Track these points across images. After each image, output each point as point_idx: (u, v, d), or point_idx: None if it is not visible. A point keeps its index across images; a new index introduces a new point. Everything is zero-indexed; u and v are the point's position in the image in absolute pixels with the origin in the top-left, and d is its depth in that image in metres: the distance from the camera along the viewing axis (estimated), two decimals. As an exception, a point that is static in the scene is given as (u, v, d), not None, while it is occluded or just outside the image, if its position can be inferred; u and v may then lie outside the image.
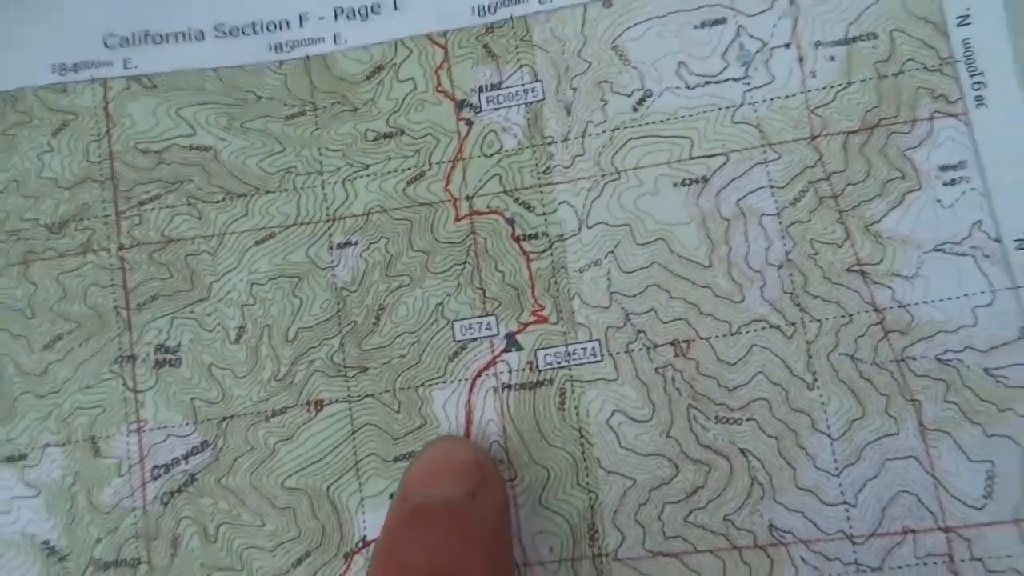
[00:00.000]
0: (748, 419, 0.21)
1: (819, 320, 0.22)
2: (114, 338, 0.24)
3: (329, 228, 0.24)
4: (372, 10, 0.25)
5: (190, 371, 0.23)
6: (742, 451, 0.21)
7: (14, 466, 0.23)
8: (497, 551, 0.20)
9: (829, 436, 0.21)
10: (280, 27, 0.25)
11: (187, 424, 0.23)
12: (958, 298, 0.21)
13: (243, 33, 0.25)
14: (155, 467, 0.23)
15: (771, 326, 0.22)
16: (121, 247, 0.24)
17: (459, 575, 0.18)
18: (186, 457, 0.23)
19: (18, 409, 0.23)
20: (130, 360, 0.24)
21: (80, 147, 0.25)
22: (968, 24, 0.22)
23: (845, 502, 0.21)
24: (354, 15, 0.25)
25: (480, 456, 0.21)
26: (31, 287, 0.24)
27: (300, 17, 0.25)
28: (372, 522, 0.22)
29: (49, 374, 0.24)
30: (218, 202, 0.24)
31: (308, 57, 0.25)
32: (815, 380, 0.21)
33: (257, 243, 0.24)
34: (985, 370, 0.21)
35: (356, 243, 0.24)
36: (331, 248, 0.24)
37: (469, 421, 0.22)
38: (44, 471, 0.23)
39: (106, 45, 0.25)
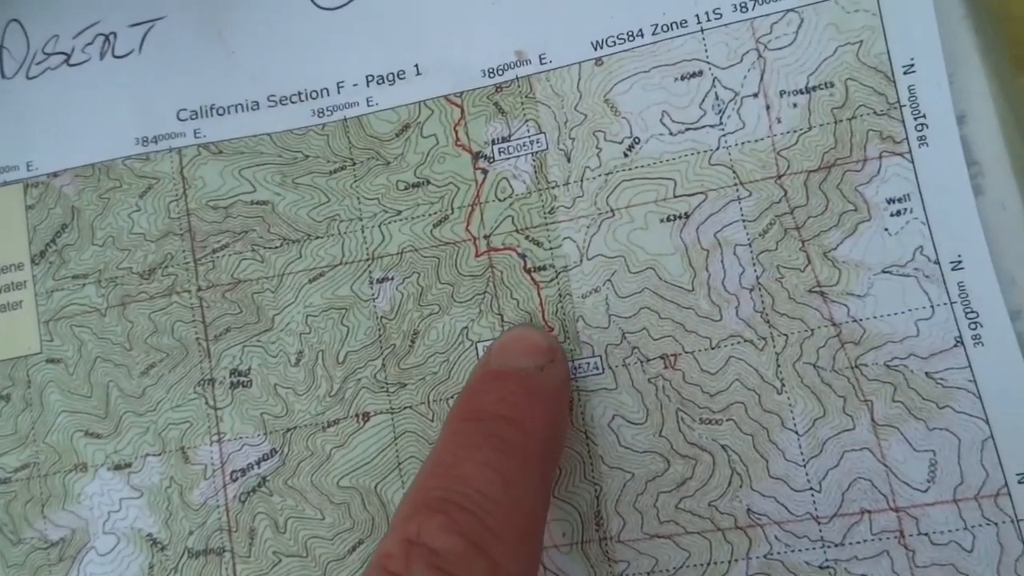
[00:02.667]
0: (727, 420, 0.26)
1: (785, 334, 0.26)
2: (197, 365, 0.29)
3: (369, 266, 0.29)
4: (398, 76, 0.30)
5: (259, 390, 0.29)
6: (723, 447, 0.26)
7: (122, 473, 0.29)
8: (558, 413, 0.24)
9: (796, 432, 0.25)
10: (321, 94, 0.30)
11: (258, 435, 0.28)
12: (903, 313, 0.25)
13: (291, 101, 0.30)
14: (233, 471, 0.28)
15: (745, 340, 0.26)
16: (199, 288, 0.30)
17: (524, 422, 0.22)
18: (258, 463, 0.28)
19: (123, 426, 0.29)
20: (210, 383, 0.29)
21: (162, 206, 0.30)
22: (913, 72, 0.26)
23: (811, 488, 0.25)
24: (383, 80, 0.30)
25: (551, 340, 0.26)
26: (129, 324, 0.30)
27: (337, 85, 0.30)
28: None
29: (146, 396, 0.29)
30: (276, 247, 0.29)
31: (346, 119, 0.30)
32: (783, 385, 0.26)
33: (310, 281, 0.29)
34: (926, 374, 0.25)
35: (392, 278, 0.29)
36: (371, 283, 0.29)
37: (491, 427, 0.27)
38: (146, 476, 0.29)
39: (179, 119, 0.31)
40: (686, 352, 0.26)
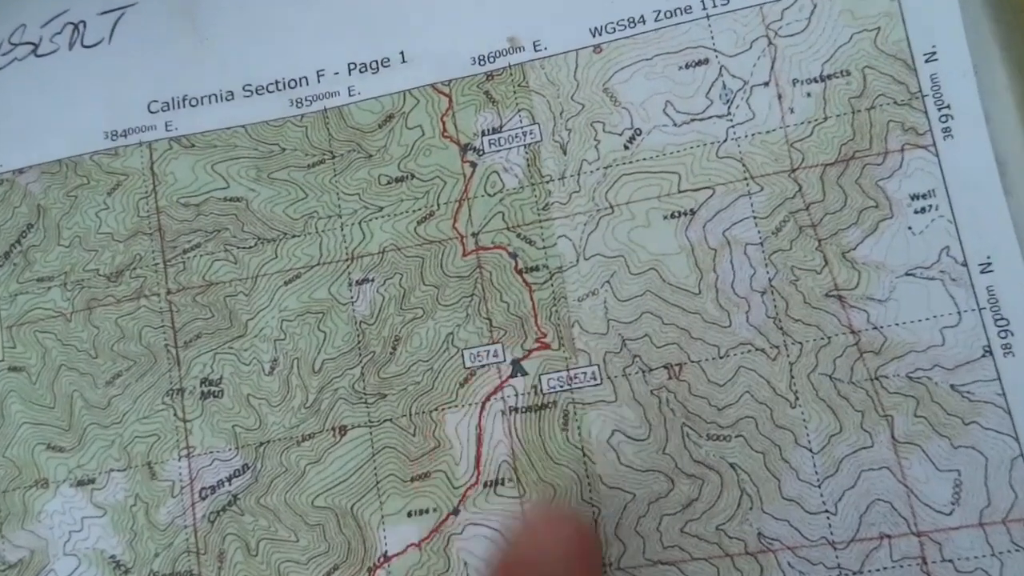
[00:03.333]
0: (736, 436, 0.24)
1: (800, 343, 0.24)
2: (165, 373, 0.28)
3: (348, 267, 0.27)
4: (382, 64, 0.28)
5: (231, 401, 0.27)
6: (732, 465, 0.24)
7: (85, 489, 0.27)
8: None
9: (810, 450, 0.24)
10: (300, 83, 0.29)
11: (229, 449, 0.27)
12: (927, 319, 0.23)
13: (267, 91, 0.29)
14: (203, 488, 0.27)
15: (756, 349, 0.24)
16: (169, 291, 0.28)
17: None
18: (229, 479, 0.26)
19: (87, 439, 0.28)
20: (179, 393, 0.27)
21: (131, 204, 0.29)
22: (935, 60, 0.24)
23: (826, 511, 0.23)
24: (366, 69, 0.28)
25: (591, 547, 0.23)
26: (94, 330, 0.28)
27: (317, 73, 0.29)
28: (392, 538, 0.25)
29: (111, 407, 0.28)
30: (251, 247, 0.28)
31: (326, 110, 0.28)
32: (797, 399, 0.24)
33: (286, 283, 0.27)
34: (951, 386, 0.23)
35: (373, 280, 0.27)
36: (351, 285, 0.27)
37: (480, 443, 0.25)
38: (110, 493, 0.27)
39: (150, 111, 0.29)
40: (692, 361, 0.24)
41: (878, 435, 0.23)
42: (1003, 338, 0.23)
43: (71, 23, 0.31)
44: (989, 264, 0.23)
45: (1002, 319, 0.23)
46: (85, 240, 0.29)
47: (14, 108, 0.30)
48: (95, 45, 0.30)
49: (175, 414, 0.27)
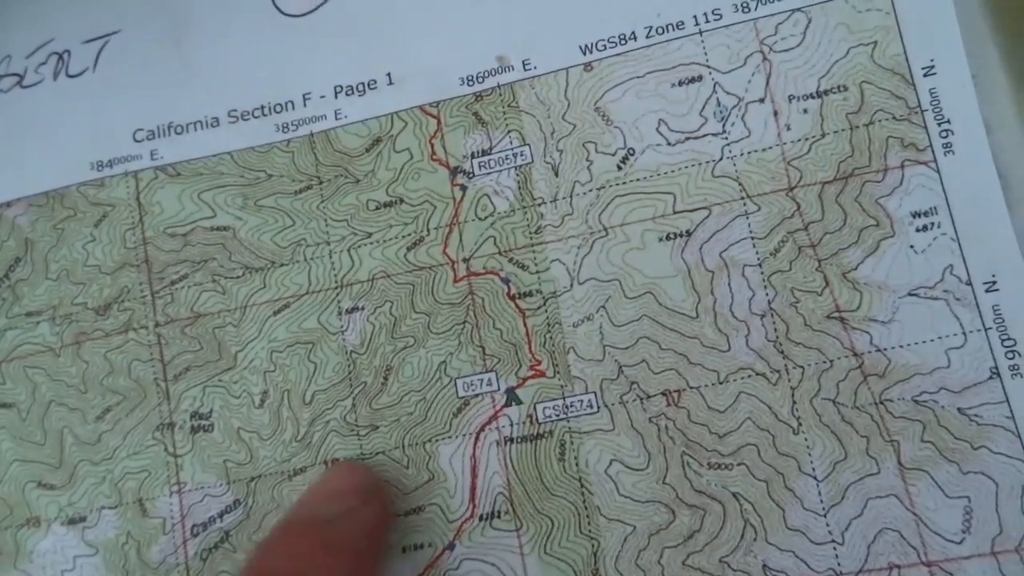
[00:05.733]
0: (738, 464, 0.24)
1: (802, 366, 0.24)
2: (155, 407, 0.28)
3: (338, 295, 0.27)
4: (368, 86, 0.28)
5: (222, 435, 0.27)
6: (734, 495, 0.24)
7: (76, 527, 0.27)
8: (362, 564, 0.23)
9: (815, 478, 0.23)
10: (286, 107, 0.29)
11: (221, 484, 0.27)
12: (932, 341, 0.23)
13: (253, 116, 0.29)
14: (194, 525, 0.27)
15: (757, 374, 0.24)
16: (157, 324, 0.28)
17: None
18: (221, 515, 0.26)
19: (77, 476, 0.28)
20: (170, 427, 0.28)
21: (118, 235, 0.29)
22: (933, 74, 0.24)
23: (833, 540, 0.23)
24: (352, 91, 0.28)
25: (362, 478, 0.24)
26: (84, 364, 0.28)
27: (303, 97, 0.29)
28: (387, 574, 0.25)
29: (102, 443, 0.28)
30: (238, 277, 0.28)
31: (312, 134, 0.28)
32: (799, 424, 0.24)
33: (275, 313, 0.27)
34: (959, 410, 0.23)
35: (363, 308, 0.27)
36: (340, 314, 0.27)
37: (475, 474, 0.25)
38: (101, 531, 0.27)
39: (135, 140, 0.29)
40: (691, 387, 0.24)
41: (884, 461, 0.23)
42: (1010, 359, 0.23)
43: (55, 53, 0.31)
44: (994, 283, 0.23)
45: (1009, 339, 0.23)
46: (72, 273, 0.29)
47: (1, 141, 0.30)
48: (80, 74, 0.30)
49: (166, 449, 0.27)
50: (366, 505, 0.24)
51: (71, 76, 0.31)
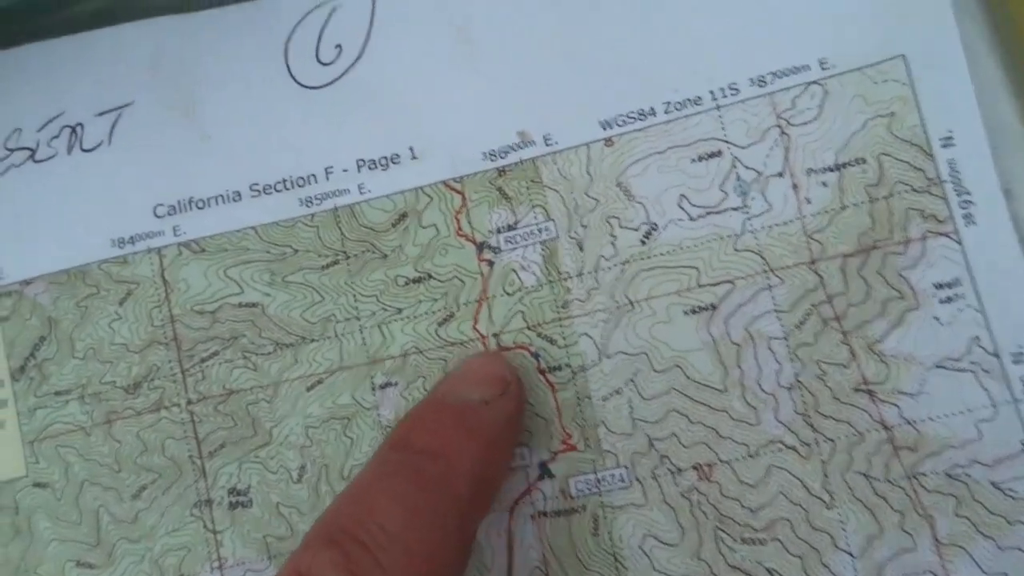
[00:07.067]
0: (772, 539, 0.24)
1: (832, 439, 0.24)
2: (192, 484, 0.28)
3: (370, 371, 0.28)
4: (392, 160, 0.28)
5: (260, 510, 0.28)
6: (769, 571, 0.24)
7: (118, 607, 0.28)
8: (496, 451, 0.24)
9: (850, 554, 0.24)
10: (308, 181, 0.29)
11: (262, 560, 0.27)
12: (962, 413, 0.24)
13: (275, 190, 0.29)
14: (238, 603, 0.27)
15: (787, 447, 0.25)
16: (189, 402, 0.29)
17: (450, 458, 0.22)
18: (263, 593, 0.27)
19: (116, 555, 0.28)
20: (208, 504, 0.28)
21: (144, 313, 0.29)
22: (952, 145, 0.24)
23: (870, 617, 0.24)
24: (375, 165, 0.29)
25: (507, 370, 0.25)
26: (116, 444, 0.29)
27: (326, 171, 0.29)
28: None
29: (139, 521, 0.28)
30: (269, 353, 0.28)
31: (336, 208, 0.28)
32: (832, 499, 0.24)
33: (308, 389, 0.28)
34: (992, 483, 0.23)
35: (396, 383, 0.27)
36: (374, 390, 0.28)
37: (511, 549, 0.26)
38: (144, 610, 0.28)
39: (156, 215, 0.29)
40: (722, 461, 0.25)
41: (920, 537, 0.23)
42: (1040, 431, 0.23)
43: (68, 126, 0.31)
44: (1021, 353, 0.23)
45: (1038, 411, 0.23)
46: (99, 352, 0.29)
47: (15, 217, 0.30)
48: (95, 148, 0.30)
49: (204, 526, 0.28)
50: (504, 395, 0.24)
51: (85, 150, 0.30)
